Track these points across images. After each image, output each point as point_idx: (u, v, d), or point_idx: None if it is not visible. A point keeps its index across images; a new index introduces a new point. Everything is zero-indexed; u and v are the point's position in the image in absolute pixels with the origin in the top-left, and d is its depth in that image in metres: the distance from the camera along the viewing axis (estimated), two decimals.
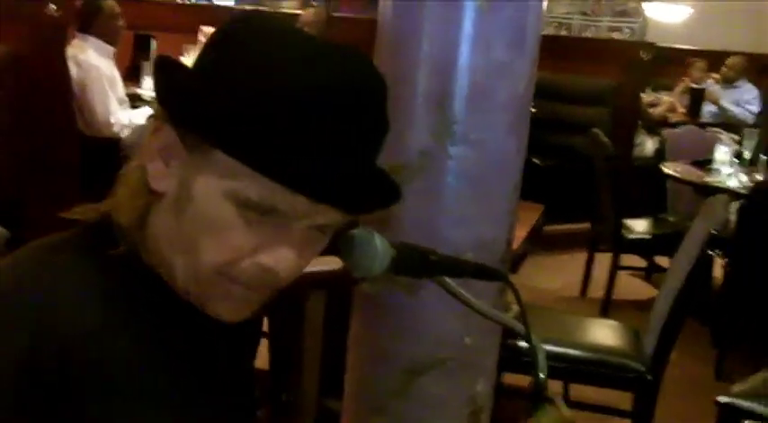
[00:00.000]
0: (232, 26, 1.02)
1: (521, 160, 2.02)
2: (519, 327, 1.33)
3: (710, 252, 3.25)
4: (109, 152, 5.04)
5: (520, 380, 3.41)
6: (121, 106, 5.32)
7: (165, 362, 1.04)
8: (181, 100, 0.99)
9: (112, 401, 0.96)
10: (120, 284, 1.02)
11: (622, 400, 3.75)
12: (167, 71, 1.02)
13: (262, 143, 0.94)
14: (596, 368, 3.40)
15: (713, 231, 3.25)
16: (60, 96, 4.81)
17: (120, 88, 5.38)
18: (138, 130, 3.92)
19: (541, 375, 1.33)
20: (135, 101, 5.67)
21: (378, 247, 1.14)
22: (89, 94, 5.13)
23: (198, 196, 0.99)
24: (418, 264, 1.22)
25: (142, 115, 5.38)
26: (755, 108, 8.12)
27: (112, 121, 5.20)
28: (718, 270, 5.37)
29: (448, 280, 1.28)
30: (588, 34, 8.34)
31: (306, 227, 1.00)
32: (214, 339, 1.12)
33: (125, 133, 5.24)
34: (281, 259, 1.00)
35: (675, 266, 3.55)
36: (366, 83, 0.99)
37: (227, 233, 0.99)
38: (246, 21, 1.03)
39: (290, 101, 0.94)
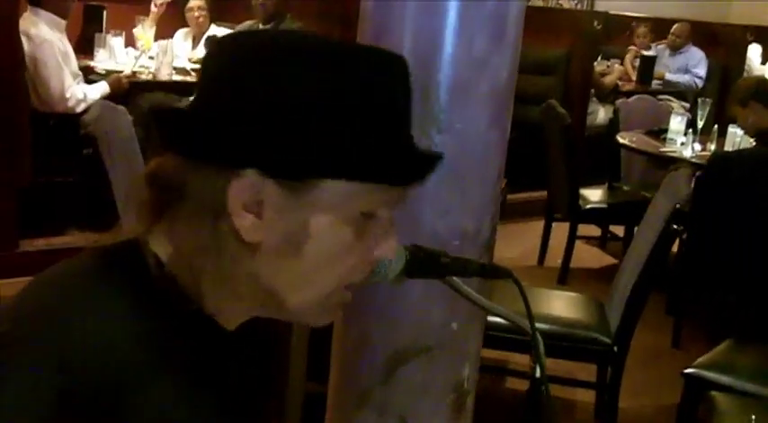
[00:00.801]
0: (238, 56, 1.01)
1: (504, 149, 2.04)
2: (523, 322, 1.36)
3: (674, 226, 3.28)
4: (65, 128, 4.99)
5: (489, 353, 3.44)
6: (75, 80, 5.24)
7: (203, 399, 1.04)
8: (276, 151, 0.96)
9: None
10: (155, 322, 1.00)
11: (586, 371, 3.83)
12: (238, 124, 0.98)
13: (361, 153, 0.98)
14: (564, 341, 3.45)
15: (677, 206, 3.30)
16: (13, 72, 4.73)
17: (74, 62, 5.30)
18: (98, 107, 3.87)
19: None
20: (88, 74, 5.60)
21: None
22: (42, 70, 5.06)
23: (317, 233, 0.99)
24: (430, 266, 1.24)
25: (97, 90, 5.32)
26: (702, 71, 8.26)
27: (67, 95, 5.13)
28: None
29: (457, 280, 1.30)
30: (539, 3, 8.36)
31: (392, 212, 1.06)
32: (248, 368, 1.13)
33: (80, 108, 5.18)
34: (389, 251, 1.08)
35: (639, 240, 3.61)
36: (398, 63, 1.05)
37: (350, 254, 1.03)
38: (245, 44, 1.03)
39: (358, 109, 0.98)
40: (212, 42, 1.08)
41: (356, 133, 0.98)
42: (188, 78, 6.10)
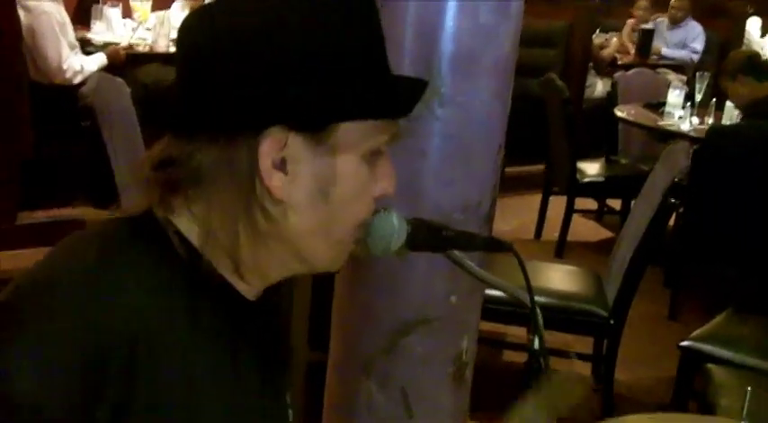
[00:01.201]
0: (228, 23, 1.02)
1: (505, 122, 2.05)
2: (523, 296, 1.37)
3: (672, 200, 3.30)
4: (63, 100, 4.98)
5: (487, 326, 3.46)
6: (73, 52, 5.22)
7: (227, 368, 1.06)
8: (290, 102, 1.00)
9: (174, 398, 0.97)
10: (180, 293, 1.01)
11: (582, 343, 3.85)
12: (250, 88, 1.01)
13: (365, 93, 1.03)
14: (561, 314, 3.47)
15: (675, 180, 3.31)
16: (10, 43, 4.71)
17: (71, 33, 5.26)
18: (96, 79, 3.86)
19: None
20: (85, 46, 5.57)
21: (395, 225, 1.17)
22: (40, 41, 5.03)
23: (343, 173, 1.04)
24: (432, 239, 1.24)
25: (94, 61, 5.30)
26: (699, 46, 8.24)
27: (65, 67, 5.11)
28: None
29: (458, 254, 1.31)
30: None
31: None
32: (266, 332, 1.15)
33: (77, 79, 5.16)
34: (390, 186, 1.11)
35: (637, 213, 3.63)
36: (369, 3, 1.08)
37: (367, 191, 1.08)
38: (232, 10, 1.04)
39: (353, 46, 1.03)
40: (190, 17, 1.08)
41: (357, 75, 1.03)
42: None
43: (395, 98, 1.07)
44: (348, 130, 1.03)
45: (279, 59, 0.99)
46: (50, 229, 5.04)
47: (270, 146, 1.00)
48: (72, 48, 5.20)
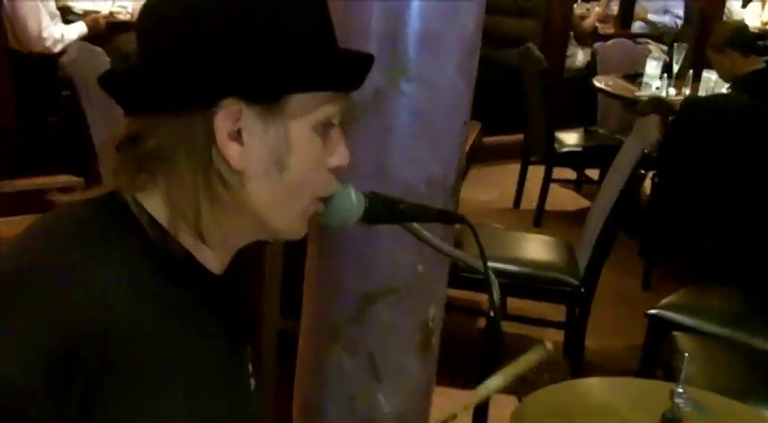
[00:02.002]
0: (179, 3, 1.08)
1: (470, 98, 2.10)
2: (478, 264, 1.43)
3: (642, 172, 3.37)
4: (44, 69, 5.00)
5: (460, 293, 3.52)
6: (53, 21, 5.23)
7: (194, 339, 1.11)
8: (244, 75, 1.05)
9: (137, 388, 1.01)
10: (151, 271, 1.06)
11: (556, 312, 3.93)
12: (203, 58, 1.05)
13: (316, 65, 1.08)
14: (533, 283, 3.55)
15: (645, 151, 3.37)
16: None
17: (51, 2, 5.27)
18: (75, 49, 3.89)
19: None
20: (66, 14, 5.57)
21: (353, 199, 1.24)
22: (20, 10, 5.04)
23: (297, 142, 1.09)
24: (388, 212, 1.31)
25: (75, 30, 5.32)
26: (680, 11, 8.26)
27: (45, 35, 5.12)
28: (646, 182, 5.56)
29: (416, 226, 1.37)
30: None
31: (339, 121, 1.16)
32: (230, 304, 1.20)
33: (58, 48, 5.18)
34: (343, 158, 1.17)
35: (608, 184, 3.69)
36: None
37: (322, 163, 1.14)
38: None
39: (298, 26, 1.08)
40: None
41: (305, 48, 1.08)
42: None
43: (344, 70, 1.13)
44: (299, 101, 1.08)
45: (230, 35, 1.04)
46: (31, 197, 5.08)
47: (224, 118, 1.05)
48: (52, 17, 5.22)
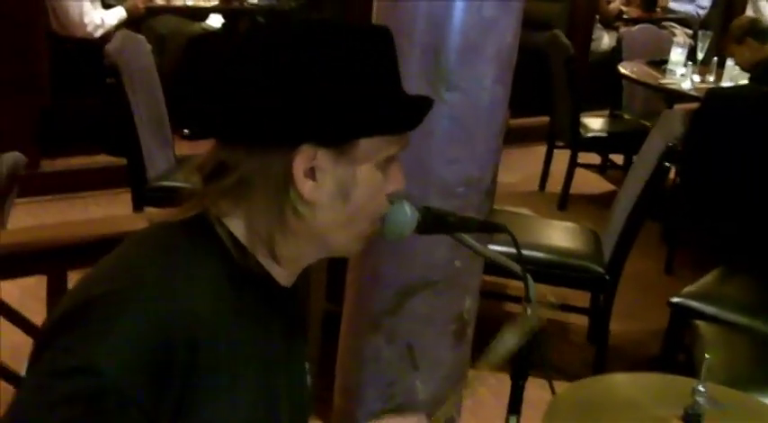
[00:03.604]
0: (268, 37, 1.24)
1: (506, 105, 2.24)
2: (516, 267, 1.57)
3: (667, 164, 3.48)
4: (86, 53, 5.15)
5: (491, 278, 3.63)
6: (93, 5, 5.37)
7: (264, 347, 1.27)
8: (319, 123, 1.21)
9: (218, 386, 1.17)
10: (229, 285, 1.21)
11: (580, 297, 4.05)
12: (280, 103, 1.21)
13: (381, 112, 1.23)
14: (559, 270, 3.67)
15: (670, 144, 3.47)
16: None
17: None
18: (120, 38, 4.03)
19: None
20: None
21: (408, 214, 1.38)
22: None
23: (362, 180, 1.24)
24: (438, 225, 1.45)
25: (114, 15, 5.46)
26: (706, 2, 8.32)
27: (86, 21, 5.28)
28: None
29: (463, 235, 1.52)
30: None
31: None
32: (294, 312, 1.38)
33: (98, 33, 5.34)
34: (399, 184, 1.31)
35: (633, 176, 3.80)
36: (375, 28, 1.30)
37: (381, 192, 1.28)
38: (276, 27, 1.26)
39: (365, 73, 1.23)
40: (228, 33, 1.29)
41: (373, 98, 1.23)
42: (201, 3, 6.22)
43: (406, 116, 1.27)
44: (366, 144, 1.23)
45: (309, 86, 1.20)
46: (71, 178, 5.25)
47: (301, 159, 1.20)
48: (92, 2, 5.36)
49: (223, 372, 1.18)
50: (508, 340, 1.54)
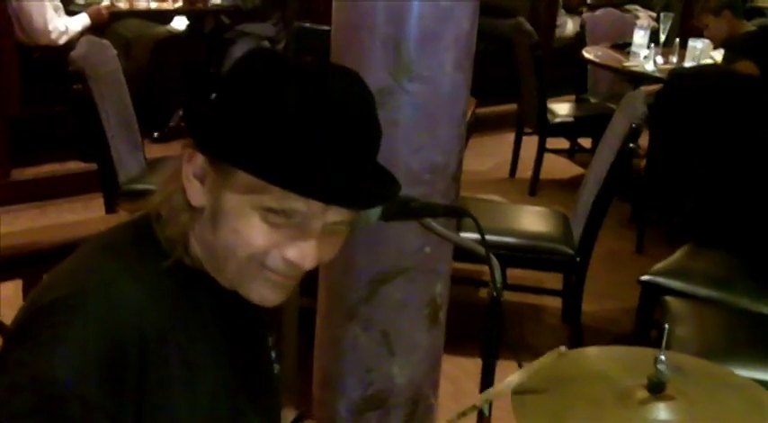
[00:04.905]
0: (242, 64, 1.22)
1: (467, 91, 2.28)
2: (480, 249, 1.61)
3: (631, 145, 3.54)
4: (52, 61, 5.15)
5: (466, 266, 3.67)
6: (57, 13, 5.38)
7: (218, 343, 1.29)
8: (206, 132, 1.19)
9: (174, 383, 1.19)
10: (171, 282, 1.23)
11: (553, 279, 4.12)
12: (194, 105, 1.22)
13: (274, 160, 1.13)
14: (531, 253, 3.73)
15: (633, 125, 3.53)
16: None
17: None
18: (85, 43, 4.04)
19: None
20: (68, 5, 5.71)
21: None
22: (25, 3, 5.20)
23: (228, 209, 1.18)
24: (402, 211, 1.49)
25: (78, 22, 5.47)
26: None
27: (50, 28, 5.29)
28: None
29: (427, 220, 1.56)
30: None
31: (322, 225, 1.19)
32: (247, 321, 1.37)
33: (63, 40, 5.35)
34: (304, 253, 1.19)
35: (598, 158, 3.85)
36: (355, 96, 1.18)
37: (255, 236, 1.18)
38: (252, 58, 1.24)
39: (290, 123, 1.14)
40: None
41: (280, 144, 1.13)
42: (165, 5, 6.23)
43: (291, 175, 1.13)
44: (243, 178, 1.15)
45: (233, 103, 1.18)
46: (41, 186, 5.25)
47: (188, 158, 1.21)
48: (56, 9, 5.37)
49: (178, 367, 1.20)
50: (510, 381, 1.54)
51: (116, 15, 5.92)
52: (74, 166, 5.41)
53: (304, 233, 1.18)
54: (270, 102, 1.15)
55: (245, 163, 1.14)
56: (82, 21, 5.48)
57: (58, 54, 5.02)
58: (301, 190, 1.14)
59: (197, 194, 1.22)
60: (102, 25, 5.68)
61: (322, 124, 1.14)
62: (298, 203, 1.15)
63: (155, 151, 4.44)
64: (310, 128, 1.14)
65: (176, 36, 6.32)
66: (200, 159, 1.20)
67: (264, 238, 1.18)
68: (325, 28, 2.30)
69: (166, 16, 6.42)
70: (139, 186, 3.92)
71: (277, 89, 1.15)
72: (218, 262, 1.23)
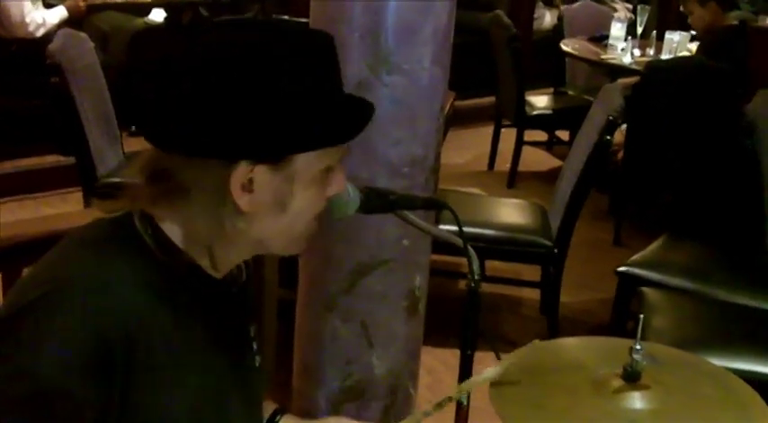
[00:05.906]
0: (217, 68, 1.21)
1: (445, 84, 2.30)
2: (458, 240, 1.63)
3: (608, 138, 3.56)
4: (29, 54, 5.13)
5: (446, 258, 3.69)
6: (34, 6, 5.36)
7: (201, 334, 1.30)
8: (256, 144, 1.21)
9: (159, 374, 1.20)
10: (153, 275, 1.24)
11: (531, 271, 4.14)
12: (219, 124, 1.21)
13: (322, 125, 1.22)
14: (509, 246, 3.75)
15: (610, 118, 3.55)
16: None
17: None
18: (62, 36, 4.02)
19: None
20: None
21: (350, 194, 1.44)
22: None
23: (299, 192, 1.25)
24: (381, 203, 1.51)
25: (56, 14, 5.44)
26: None
27: (27, 20, 5.27)
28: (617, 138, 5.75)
29: (405, 212, 1.57)
30: None
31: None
32: (230, 312, 1.39)
33: (40, 33, 5.33)
34: (341, 183, 1.35)
35: (576, 150, 3.87)
36: (323, 38, 1.27)
37: (319, 199, 1.30)
38: (213, 59, 1.22)
39: (303, 87, 1.21)
40: (177, 40, 1.29)
41: (309, 114, 1.21)
42: None
43: (343, 129, 1.26)
44: (303, 159, 1.24)
45: (246, 102, 1.19)
46: (20, 179, 5.23)
47: (238, 175, 1.21)
48: (33, 2, 5.34)
49: (162, 362, 1.21)
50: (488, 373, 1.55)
51: (93, 8, 5.89)
52: (52, 159, 5.39)
53: (337, 171, 1.32)
54: (275, 82, 1.19)
55: (304, 145, 1.23)
56: (59, 13, 5.46)
57: (36, 47, 4.99)
58: (350, 133, 1.27)
59: (248, 201, 1.24)
60: (79, 18, 5.65)
61: (318, 72, 1.23)
62: (333, 155, 1.27)
63: (133, 144, 4.43)
64: (316, 81, 1.22)
65: (154, 28, 6.30)
66: (241, 173, 1.21)
67: (324, 196, 1.31)
68: (304, 20, 2.30)
69: (144, 8, 6.39)
70: (117, 180, 3.91)
71: (271, 67, 1.20)
72: (270, 243, 1.32)
